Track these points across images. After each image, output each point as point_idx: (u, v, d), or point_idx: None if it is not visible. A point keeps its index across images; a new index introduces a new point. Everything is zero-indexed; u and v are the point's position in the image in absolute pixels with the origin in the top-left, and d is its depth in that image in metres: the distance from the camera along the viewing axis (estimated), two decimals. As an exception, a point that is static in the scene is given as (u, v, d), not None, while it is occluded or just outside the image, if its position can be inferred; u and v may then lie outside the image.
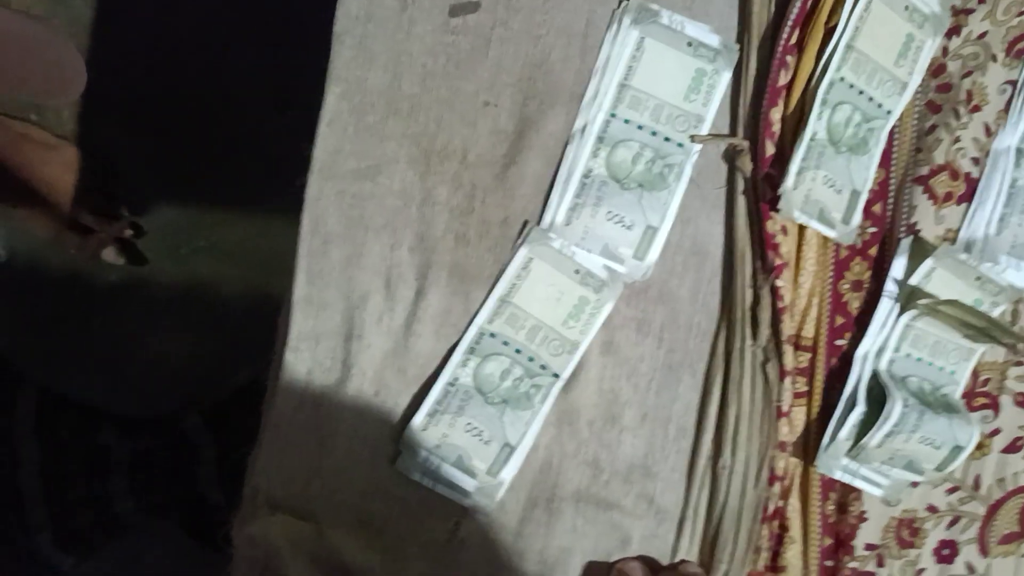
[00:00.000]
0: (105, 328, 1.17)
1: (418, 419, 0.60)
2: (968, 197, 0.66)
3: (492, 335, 0.61)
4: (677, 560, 0.64)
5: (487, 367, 0.61)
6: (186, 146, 1.17)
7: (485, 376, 0.61)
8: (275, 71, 1.17)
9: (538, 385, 0.61)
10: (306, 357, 0.61)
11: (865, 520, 0.66)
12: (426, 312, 0.61)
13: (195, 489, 1.13)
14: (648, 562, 0.63)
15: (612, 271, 0.62)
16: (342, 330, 0.61)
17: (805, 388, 0.65)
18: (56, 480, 1.06)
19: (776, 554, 0.65)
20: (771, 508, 0.65)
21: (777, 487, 0.65)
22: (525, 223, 0.61)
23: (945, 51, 0.66)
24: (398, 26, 0.60)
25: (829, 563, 0.66)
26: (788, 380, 0.63)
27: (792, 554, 0.65)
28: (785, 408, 0.64)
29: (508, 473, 0.62)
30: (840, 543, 0.66)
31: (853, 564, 0.66)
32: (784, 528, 0.65)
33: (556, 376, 0.62)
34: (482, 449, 0.61)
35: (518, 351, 0.61)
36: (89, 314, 1.16)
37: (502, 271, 0.61)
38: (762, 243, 0.63)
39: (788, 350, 0.63)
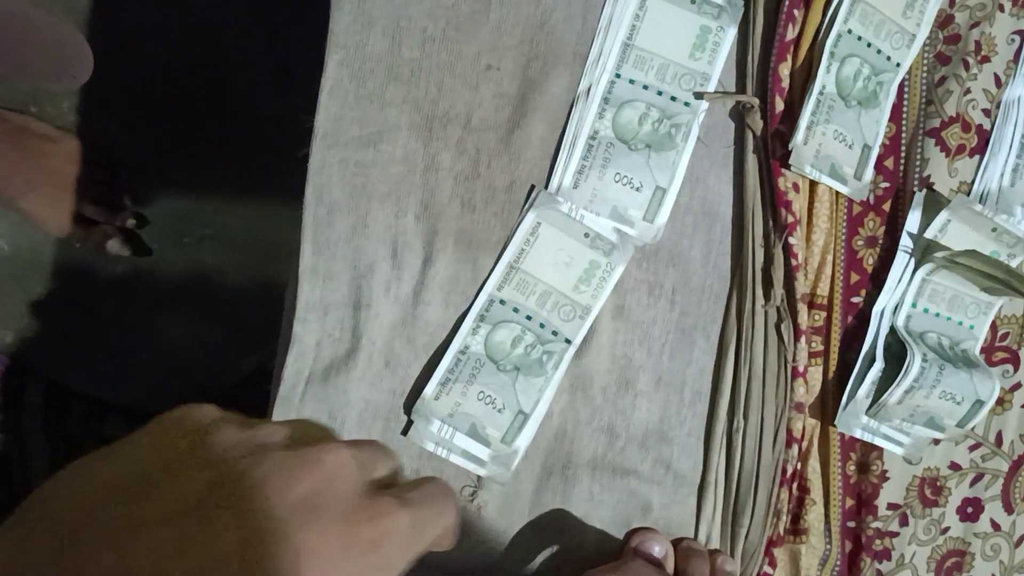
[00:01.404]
0: (111, 319, 1.16)
1: (430, 388, 0.60)
2: (981, 149, 0.65)
3: (502, 302, 0.60)
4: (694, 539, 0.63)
5: (498, 334, 0.60)
6: (187, 134, 1.16)
7: (496, 344, 0.60)
8: (274, 56, 1.17)
9: (550, 352, 0.61)
10: (314, 328, 0.60)
11: (887, 479, 0.65)
12: (434, 280, 0.61)
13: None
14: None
15: (622, 234, 0.61)
16: (350, 300, 0.60)
17: (821, 347, 0.64)
18: (65, 473, 1.05)
19: (797, 517, 0.64)
20: (789, 470, 0.64)
21: (795, 449, 0.64)
22: (532, 187, 0.61)
23: (952, 2, 0.65)
24: (397, -10, 0.59)
25: (851, 524, 0.66)
26: (803, 339, 0.62)
27: (814, 516, 0.64)
28: (801, 368, 0.63)
29: (523, 441, 0.61)
30: (862, 503, 0.65)
31: (876, 524, 0.65)
32: (805, 490, 0.64)
33: (568, 342, 0.61)
34: (496, 417, 0.60)
35: (529, 317, 0.60)
36: (95, 305, 1.16)
37: (510, 237, 0.60)
38: (773, 201, 0.62)
39: (803, 309, 0.62)
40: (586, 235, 0.60)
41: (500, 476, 0.61)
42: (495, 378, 0.60)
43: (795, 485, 0.64)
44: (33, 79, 1.04)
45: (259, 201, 1.17)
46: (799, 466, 0.64)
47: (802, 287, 0.62)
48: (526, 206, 0.60)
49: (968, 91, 0.64)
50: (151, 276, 1.17)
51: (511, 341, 0.60)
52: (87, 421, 1.08)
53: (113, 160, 1.12)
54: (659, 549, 0.60)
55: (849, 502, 0.65)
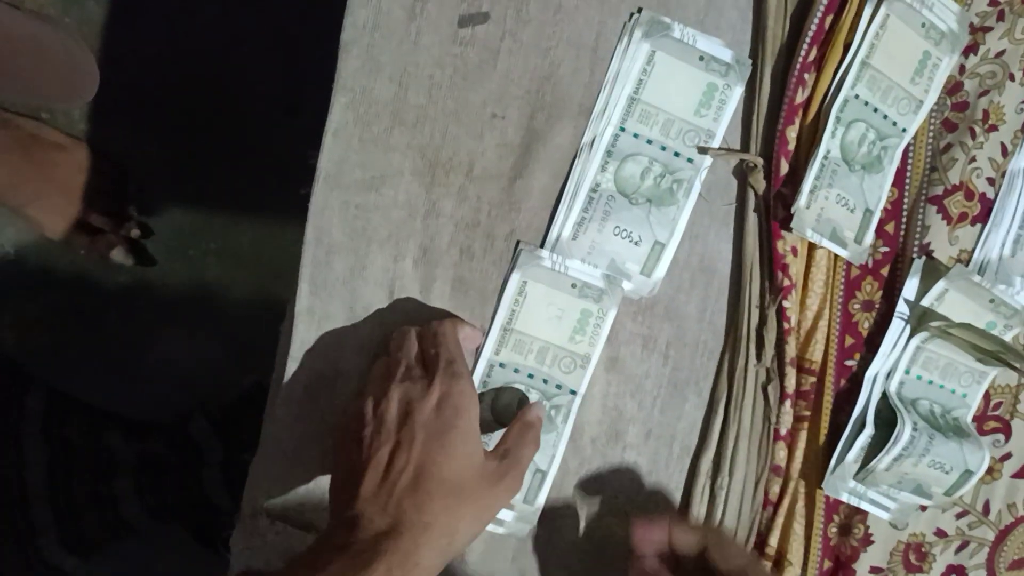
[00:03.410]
0: (113, 329, 1.17)
1: None
2: (983, 218, 0.65)
3: (502, 365, 0.60)
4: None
5: (503, 398, 0.61)
6: (196, 148, 1.16)
7: (503, 407, 0.61)
8: (286, 74, 1.17)
9: (557, 405, 0.61)
10: (307, 368, 0.60)
11: (872, 543, 0.65)
12: (430, 326, 0.61)
13: (200, 492, 1.13)
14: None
15: (609, 277, 0.61)
16: (345, 342, 0.60)
17: (807, 412, 0.64)
18: (62, 481, 1.06)
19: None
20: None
21: (769, 511, 0.64)
22: (517, 243, 0.61)
23: (962, 69, 0.65)
24: (405, 36, 0.59)
25: (830, 586, 0.66)
26: (788, 403, 0.62)
27: (789, 576, 0.64)
28: (783, 431, 0.63)
29: (542, 498, 0.62)
30: (840, 566, 0.65)
31: (855, 588, 0.65)
32: (782, 551, 0.64)
33: (573, 393, 0.61)
34: None
35: (531, 375, 0.61)
36: (98, 315, 1.16)
37: (498, 301, 0.60)
38: (771, 262, 0.62)
39: (790, 372, 0.62)
40: (573, 285, 0.60)
41: (520, 532, 0.62)
42: None
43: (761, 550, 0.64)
44: (42, 100, 1.05)
45: (265, 218, 1.18)
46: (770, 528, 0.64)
47: (792, 351, 0.62)
48: (509, 266, 0.60)
49: (974, 159, 0.64)
50: (155, 288, 1.17)
51: (517, 403, 0.61)
52: (86, 430, 1.08)
53: (122, 170, 1.12)
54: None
55: (827, 564, 0.65)
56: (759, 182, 0.62)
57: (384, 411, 0.52)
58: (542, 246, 0.61)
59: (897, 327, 0.63)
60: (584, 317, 0.61)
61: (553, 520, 0.62)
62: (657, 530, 0.57)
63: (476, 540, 0.61)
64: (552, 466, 0.62)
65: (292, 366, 0.60)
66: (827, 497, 0.64)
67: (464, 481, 0.51)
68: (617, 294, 0.61)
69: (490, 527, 0.61)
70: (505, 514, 0.61)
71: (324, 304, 0.60)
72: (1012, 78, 0.65)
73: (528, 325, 0.60)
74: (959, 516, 0.67)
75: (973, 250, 0.65)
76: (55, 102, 1.08)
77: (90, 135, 1.13)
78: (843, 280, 0.65)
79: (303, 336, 0.60)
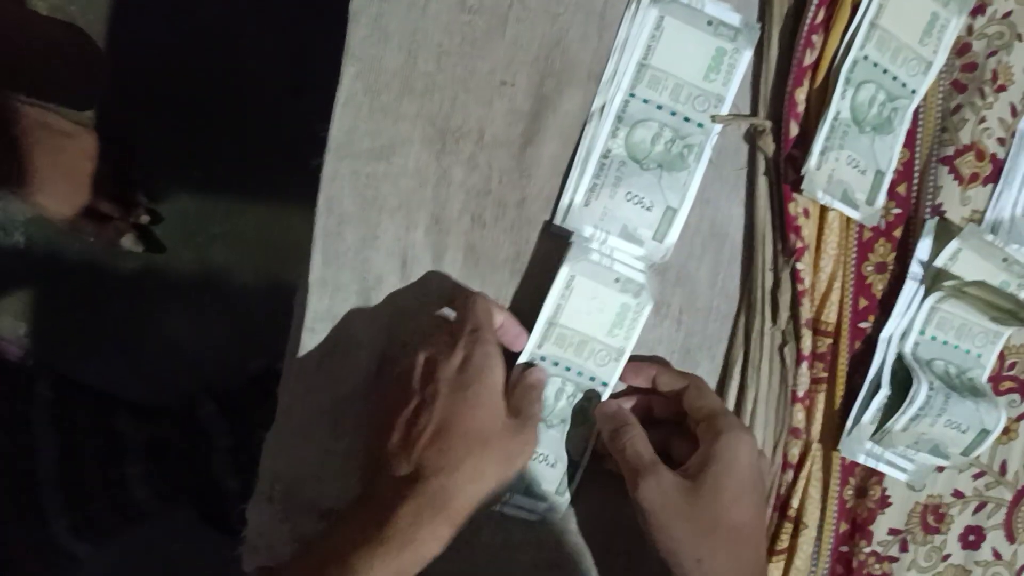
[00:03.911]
0: (122, 315, 1.17)
1: None
2: (994, 178, 0.65)
3: (543, 358, 0.60)
4: None
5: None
6: (203, 132, 1.17)
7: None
8: (291, 56, 1.17)
9: (589, 398, 0.61)
10: (321, 338, 0.60)
11: (889, 505, 0.65)
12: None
13: (209, 476, 1.14)
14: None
15: (647, 273, 0.61)
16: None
17: (824, 374, 0.64)
18: (72, 466, 1.06)
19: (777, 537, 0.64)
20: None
21: (789, 474, 0.63)
22: (563, 233, 0.60)
23: (970, 30, 0.65)
24: (413, 4, 0.59)
25: (844, 548, 0.66)
26: (805, 365, 0.62)
27: (804, 540, 0.63)
28: (800, 393, 0.63)
29: (571, 490, 0.63)
30: (856, 528, 0.65)
31: (869, 549, 0.65)
32: (799, 514, 0.64)
33: (605, 384, 0.61)
34: (548, 472, 0.62)
35: (568, 368, 0.61)
36: (107, 301, 1.16)
37: (545, 293, 0.60)
38: (783, 225, 0.62)
39: (806, 334, 0.62)
40: (616, 280, 0.60)
41: (554, 518, 0.63)
42: (545, 436, 0.61)
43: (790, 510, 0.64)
44: (52, 94, 1.05)
45: (272, 202, 1.18)
46: (791, 491, 0.64)
47: (807, 313, 0.62)
48: (562, 261, 0.59)
49: (983, 119, 0.64)
50: (163, 273, 1.17)
51: (554, 394, 0.61)
52: (96, 415, 1.08)
53: (129, 156, 1.12)
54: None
55: (844, 527, 0.65)
56: (768, 145, 0.62)
57: (408, 372, 0.53)
58: (554, 213, 0.61)
59: (911, 288, 0.63)
60: (623, 311, 0.60)
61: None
62: (645, 367, 0.60)
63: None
64: (584, 457, 0.62)
65: (306, 337, 0.60)
66: (843, 459, 0.64)
67: (488, 431, 0.51)
68: (654, 289, 0.61)
69: (524, 515, 0.62)
70: (537, 505, 0.62)
71: (336, 274, 0.60)
72: (1020, 38, 0.64)
73: (571, 319, 0.60)
74: (976, 477, 0.66)
75: (985, 210, 0.65)
76: (65, 96, 1.08)
77: (97, 122, 1.13)
78: (856, 242, 0.64)
79: (316, 307, 0.60)
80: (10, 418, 1.07)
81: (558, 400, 0.61)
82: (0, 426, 1.07)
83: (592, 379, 0.61)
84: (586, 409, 0.61)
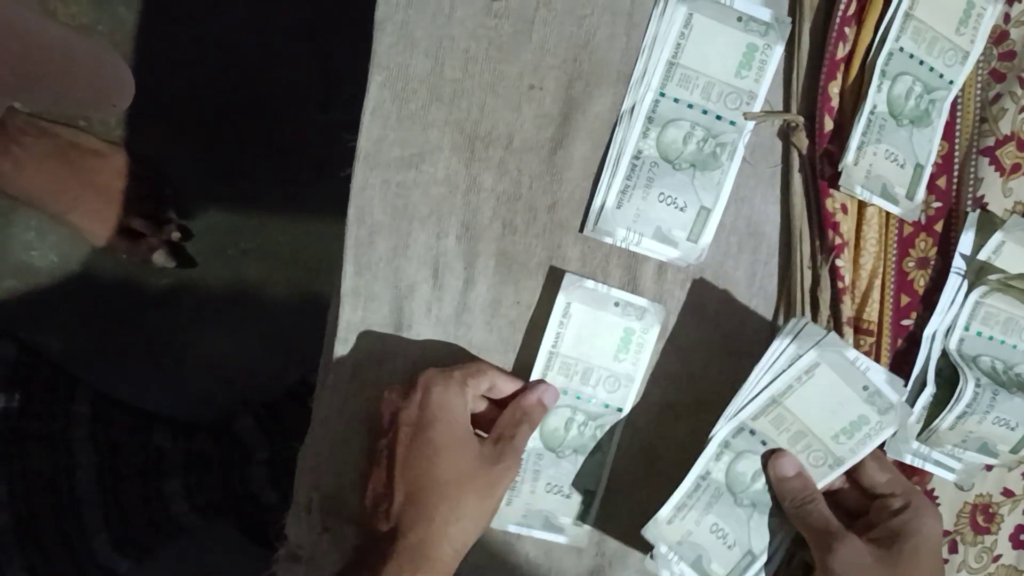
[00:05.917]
0: (157, 331, 1.18)
1: None
2: (1037, 168, 0.63)
3: (564, 392, 0.60)
4: None
5: (549, 422, 0.61)
6: (232, 148, 1.17)
7: (550, 432, 0.61)
8: (319, 71, 1.17)
9: (602, 425, 0.61)
10: (354, 348, 0.60)
11: (937, 505, 0.63)
12: (476, 302, 0.60)
13: (248, 489, 1.14)
14: None
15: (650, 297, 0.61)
16: (391, 321, 0.60)
17: (868, 372, 0.62)
18: (112, 483, 1.07)
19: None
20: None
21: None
22: (560, 273, 0.59)
23: (1007, 18, 0.63)
24: (439, 10, 0.59)
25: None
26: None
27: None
28: (845, 393, 0.61)
29: (590, 520, 0.62)
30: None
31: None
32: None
33: (620, 411, 0.61)
34: (563, 504, 0.61)
35: (578, 397, 0.60)
36: (141, 317, 1.17)
37: (544, 324, 0.59)
38: (820, 222, 0.61)
39: (848, 332, 0.61)
40: (616, 304, 0.59)
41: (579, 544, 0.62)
42: (557, 468, 0.61)
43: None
44: (73, 108, 1.06)
45: (302, 215, 1.18)
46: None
47: (848, 310, 0.61)
48: (558, 293, 0.59)
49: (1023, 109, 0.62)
50: (196, 289, 1.18)
51: (563, 425, 0.60)
52: (133, 432, 1.09)
53: (160, 174, 1.13)
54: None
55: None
56: (802, 141, 0.61)
57: (376, 422, 0.56)
58: (586, 216, 0.60)
59: (954, 283, 0.62)
60: (627, 335, 0.60)
61: (609, 494, 0.62)
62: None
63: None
64: (600, 486, 0.61)
65: (340, 348, 0.60)
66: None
67: (460, 471, 0.52)
68: (660, 312, 0.60)
69: (550, 537, 0.61)
70: (556, 537, 0.61)
71: (369, 284, 0.60)
72: (1060, 24, 0.63)
73: (573, 347, 0.59)
74: (1026, 475, 0.65)
75: (1028, 201, 0.63)
76: (88, 111, 1.09)
77: (127, 140, 1.14)
78: (896, 238, 0.63)
79: (348, 318, 0.60)
80: (49, 436, 1.08)
81: (568, 430, 0.60)
82: (39, 444, 1.08)
83: (607, 406, 0.60)
84: (599, 438, 0.61)
